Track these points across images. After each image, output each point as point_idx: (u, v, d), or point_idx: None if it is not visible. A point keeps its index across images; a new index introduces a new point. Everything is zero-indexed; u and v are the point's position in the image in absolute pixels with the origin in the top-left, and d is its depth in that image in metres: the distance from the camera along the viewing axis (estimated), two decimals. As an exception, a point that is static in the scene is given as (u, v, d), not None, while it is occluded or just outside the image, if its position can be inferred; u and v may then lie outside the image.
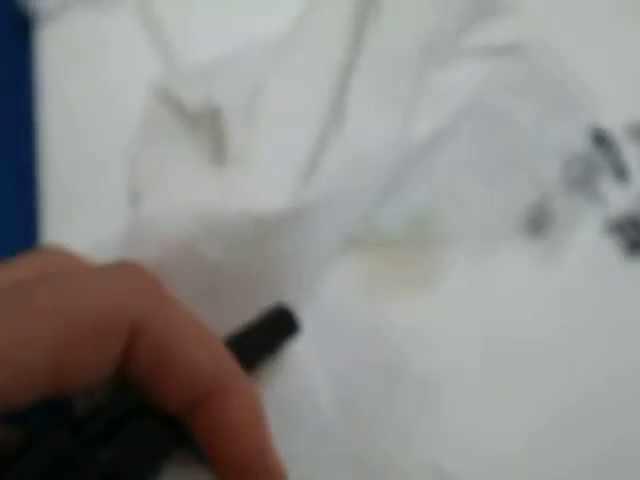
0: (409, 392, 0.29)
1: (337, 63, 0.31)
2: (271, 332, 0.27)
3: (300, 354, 0.28)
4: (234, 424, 0.22)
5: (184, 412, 0.22)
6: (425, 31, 0.30)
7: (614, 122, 0.33)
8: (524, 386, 0.29)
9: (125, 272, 0.22)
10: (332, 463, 0.27)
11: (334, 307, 0.29)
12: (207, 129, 0.31)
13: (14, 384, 0.19)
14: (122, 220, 0.30)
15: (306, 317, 0.29)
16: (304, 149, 0.29)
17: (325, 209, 0.28)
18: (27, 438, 0.21)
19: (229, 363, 0.23)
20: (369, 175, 0.29)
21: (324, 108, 0.30)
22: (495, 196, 0.31)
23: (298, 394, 0.28)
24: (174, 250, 0.27)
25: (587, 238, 0.32)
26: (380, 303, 0.30)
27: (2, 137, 0.33)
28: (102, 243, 0.28)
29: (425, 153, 0.30)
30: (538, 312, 0.30)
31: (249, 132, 0.29)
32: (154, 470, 0.23)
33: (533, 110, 0.32)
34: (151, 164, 0.31)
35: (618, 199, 0.32)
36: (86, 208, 0.31)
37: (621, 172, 0.33)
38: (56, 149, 0.32)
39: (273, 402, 0.26)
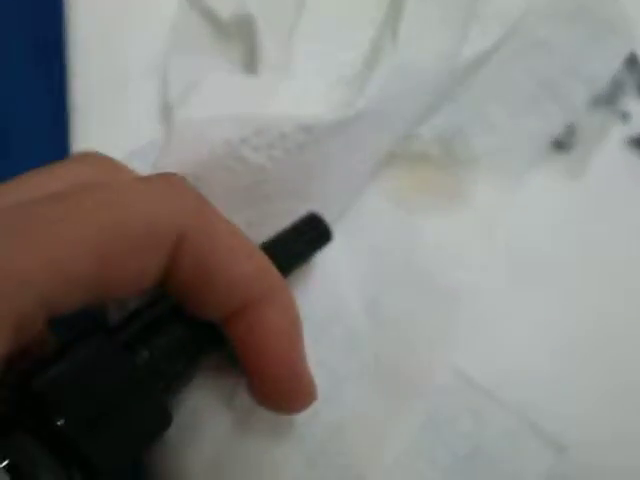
0: (436, 304, 0.29)
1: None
2: (304, 240, 0.27)
3: (331, 264, 0.29)
4: (272, 333, 0.22)
5: (223, 320, 0.22)
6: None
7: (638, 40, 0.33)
8: (549, 299, 0.30)
9: (169, 184, 0.22)
10: (359, 372, 0.28)
11: (364, 220, 0.30)
12: (240, 39, 0.31)
13: (62, 294, 0.19)
14: (153, 130, 0.30)
15: (338, 228, 0.29)
16: (352, 60, 0.29)
17: (372, 121, 0.28)
18: (63, 342, 0.21)
19: (271, 273, 0.23)
20: (417, 92, 0.29)
21: (375, 21, 0.30)
22: (525, 121, 0.31)
23: (327, 302, 0.28)
24: (214, 155, 0.27)
25: (611, 155, 0.32)
26: (409, 218, 0.30)
27: (33, 48, 0.32)
28: (135, 153, 0.28)
29: (464, 75, 0.30)
30: (562, 227, 0.31)
31: (287, 41, 0.29)
32: (187, 373, 0.24)
33: (571, 40, 0.32)
34: (183, 74, 0.30)
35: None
36: (118, 118, 0.31)
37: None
38: (87, 59, 0.31)
39: (302, 309, 0.25)
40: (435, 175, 0.31)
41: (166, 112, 0.31)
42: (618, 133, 0.32)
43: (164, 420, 0.21)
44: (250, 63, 0.30)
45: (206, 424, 0.25)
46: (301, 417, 0.26)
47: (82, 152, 0.24)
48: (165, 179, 0.22)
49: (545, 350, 0.29)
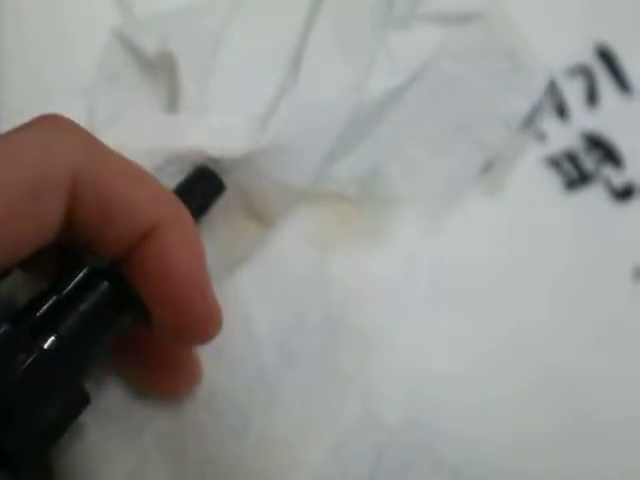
0: (348, 343, 0.29)
1: (298, 17, 0.31)
2: (199, 194, 0.27)
3: (243, 301, 0.29)
4: (176, 257, 0.22)
5: (127, 254, 0.22)
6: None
7: (553, 64, 0.33)
8: (470, 326, 0.30)
9: (54, 126, 0.21)
10: (268, 408, 0.28)
11: (278, 258, 0.29)
12: (164, 77, 0.31)
13: None
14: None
15: (251, 266, 0.29)
16: (261, 100, 0.29)
17: (276, 157, 0.28)
18: None
19: (170, 199, 0.23)
20: (323, 128, 0.29)
21: (284, 60, 0.30)
22: (443, 161, 0.31)
23: (240, 339, 0.28)
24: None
25: (527, 174, 0.32)
26: (326, 257, 0.30)
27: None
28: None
29: (376, 112, 0.30)
30: (479, 245, 0.31)
31: (204, 82, 0.29)
32: (99, 353, 0.23)
33: (485, 78, 0.32)
34: (106, 107, 0.30)
35: (558, 136, 0.33)
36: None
37: (562, 111, 0.33)
38: (8, 79, 0.31)
39: (213, 342, 0.25)
40: (353, 214, 0.31)
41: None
42: (534, 152, 0.33)
43: (80, 401, 0.21)
44: (173, 102, 0.30)
45: (110, 461, 0.25)
46: (206, 449, 0.26)
47: None
48: (49, 121, 0.22)
49: (462, 387, 0.29)
